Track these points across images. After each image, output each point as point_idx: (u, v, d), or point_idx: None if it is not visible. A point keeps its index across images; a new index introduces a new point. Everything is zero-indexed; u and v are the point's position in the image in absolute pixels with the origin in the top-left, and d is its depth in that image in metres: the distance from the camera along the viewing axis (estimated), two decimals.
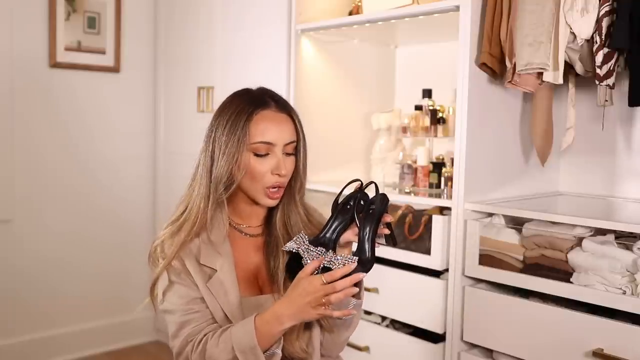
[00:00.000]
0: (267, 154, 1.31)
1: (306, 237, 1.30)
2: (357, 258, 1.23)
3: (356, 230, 1.31)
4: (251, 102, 1.33)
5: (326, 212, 1.41)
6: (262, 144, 1.30)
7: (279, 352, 1.25)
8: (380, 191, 1.33)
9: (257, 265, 1.39)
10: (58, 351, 3.07)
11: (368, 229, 1.29)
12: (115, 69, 3.20)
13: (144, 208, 3.38)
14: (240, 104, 1.33)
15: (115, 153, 3.26)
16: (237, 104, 1.33)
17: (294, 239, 1.29)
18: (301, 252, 1.26)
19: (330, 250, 1.28)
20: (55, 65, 3.00)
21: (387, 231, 1.31)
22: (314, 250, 1.26)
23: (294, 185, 1.39)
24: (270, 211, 1.42)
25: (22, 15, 2.91)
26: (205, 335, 1.28)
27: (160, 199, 3.36)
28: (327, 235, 1.32)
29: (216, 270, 1.31)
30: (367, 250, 1.28)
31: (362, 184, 1.37)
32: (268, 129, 1.30)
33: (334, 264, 1.22)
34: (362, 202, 1.33)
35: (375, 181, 1.37)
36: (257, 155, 1.31)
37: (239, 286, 1.33)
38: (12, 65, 2.88)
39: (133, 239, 3.33)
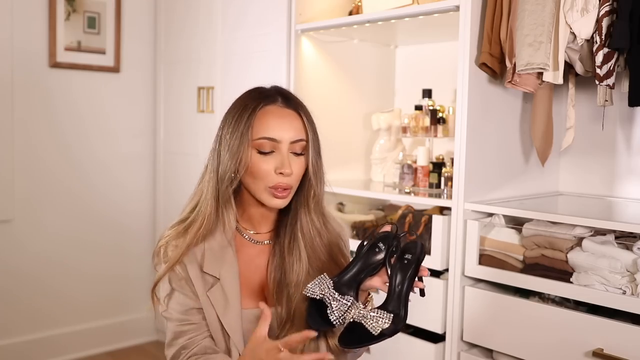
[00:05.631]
0: (272, 152, 1.24)
1: (329, 280, 1.16)
2: (392, 316, 1.09)
3: (385, 278, 1.18)
4: (258, 98, 1.27)
5: None
6: (266, 140, 1.23)
7: None
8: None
9: (263, 275, 1.32)
10: (58, 351, 3.07)
11: (400, 280, 1.15)
12: (115, 69, 3.21)
13: (143, 208, 3.38)
14: (248, 99, 1.27)
15: (115, 153, 3.26)
16: (244, 100, 1.28)
17: (316, 281, 1.16)
18: (326, 301, 1.12)
19: (359, 302, 1.14)
20: (55, 65, 3.00)
21: (422, 285, 1.18)
22: (340, 298, 1.12)
23: (305, 190, 1.29)
24: (282, 217, 1.33)
25: (22, 15, 2.91)
26: (191, 356, 1.23)
27: (160, 199, 3.36)
28: (349, 277, 1.18)
29: (219, 279, 1.25)
30: (399, 306, 1.13)
31: (397, 227, 1.25)
32: (272, 124, 1.23)
33: (366, 321, 1.08)
34: (394, 249, 1.19)
35: (415, 232, 1.25)
36: (261, 152, 1.23)
37: (242, 296, 1.27)
38: (12, 65, 2.88)
39: (133, 239, 3.33)
